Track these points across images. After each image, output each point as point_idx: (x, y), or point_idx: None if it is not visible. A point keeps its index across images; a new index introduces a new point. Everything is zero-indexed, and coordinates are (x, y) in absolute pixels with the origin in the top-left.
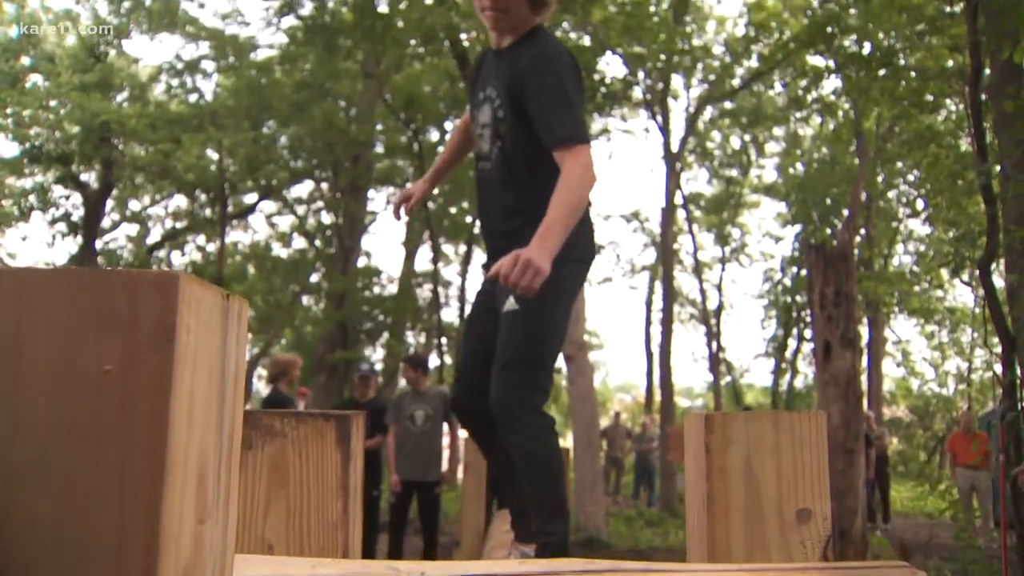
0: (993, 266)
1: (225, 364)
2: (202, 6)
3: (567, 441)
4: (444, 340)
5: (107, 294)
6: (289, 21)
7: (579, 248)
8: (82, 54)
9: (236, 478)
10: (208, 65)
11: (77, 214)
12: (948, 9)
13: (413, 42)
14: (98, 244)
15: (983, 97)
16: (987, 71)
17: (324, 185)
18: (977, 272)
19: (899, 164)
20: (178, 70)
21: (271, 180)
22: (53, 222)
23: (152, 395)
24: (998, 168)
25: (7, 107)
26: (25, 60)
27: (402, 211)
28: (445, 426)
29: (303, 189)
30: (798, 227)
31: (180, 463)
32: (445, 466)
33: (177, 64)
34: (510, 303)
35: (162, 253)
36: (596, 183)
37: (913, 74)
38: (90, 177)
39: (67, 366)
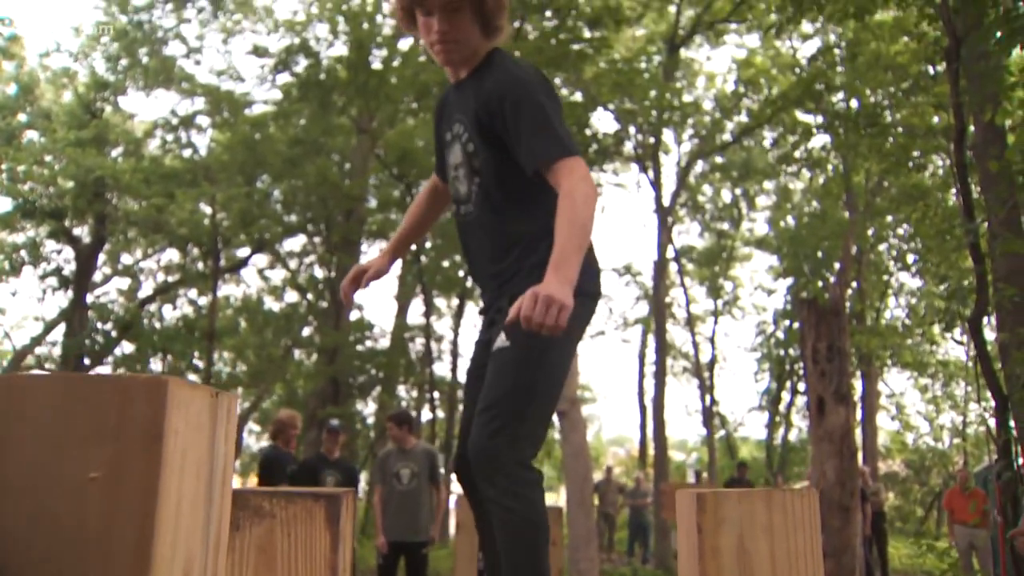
0: (984, 320)
1: (213, 463)
2: (198, 63)
3: (560, 498)
4: (436, 395)
5: (96, 400)
6: (284, 78)
7: (586, 280)
8: (78, 110)
9: (223, 572)
10: (203, 120)
11: (68, 268)
12: (932, 70)
13: (406, 98)
14: (89, 298)
15: (969, 155)
16: (971, 128)
17: (317, 239)
18: (968, 329)
19: (889, 218)
20: (173, 125)
21: (264, 234)
22: (44, 276)
23: (139, 501)
24: (986, 225)
25: (1, 163)
26: (22, 117)
27: (357, 290)
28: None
29: (296, 243)
30: (790, 280)
31: (165, 570)
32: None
33: (172, 119)
34: (502, 339)
35: (153, 307)
36: (598, 196)
37: (900, 130)
38: (82, 231)
39: (53, 472)
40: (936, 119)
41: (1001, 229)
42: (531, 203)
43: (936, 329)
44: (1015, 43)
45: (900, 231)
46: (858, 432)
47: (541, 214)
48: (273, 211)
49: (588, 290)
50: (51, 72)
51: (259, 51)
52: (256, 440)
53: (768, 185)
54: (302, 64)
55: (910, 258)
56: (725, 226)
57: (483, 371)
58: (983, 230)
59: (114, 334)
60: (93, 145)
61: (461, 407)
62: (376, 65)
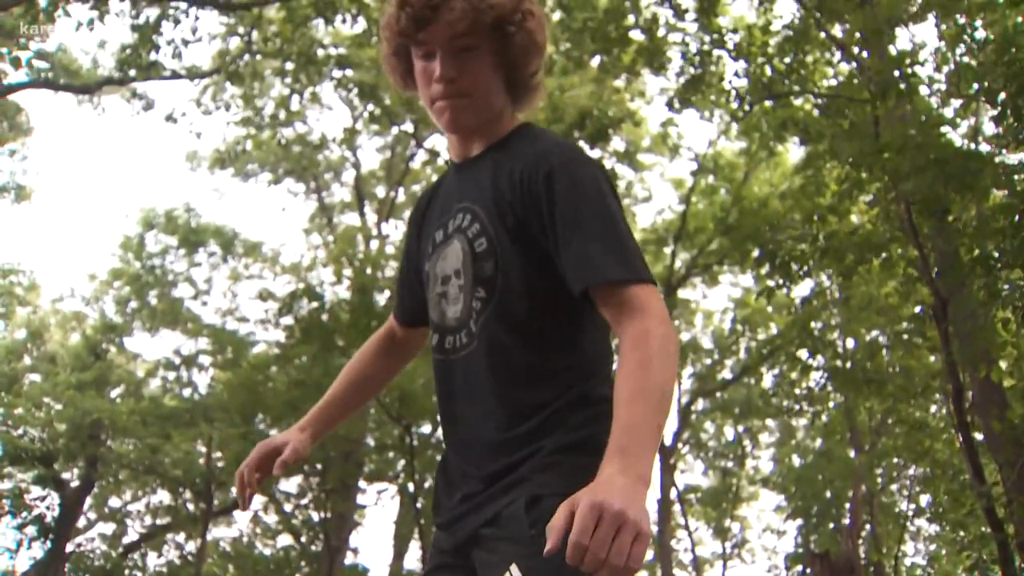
0: None
1: None
2: (204, 304)
3: None
4: None
5: None
6: (287, 320)
7: None
8: (83, 353)
9: None
10: (204, 359)
11: (51, 515)
12: (921, 312)
13: None
14: (69, 547)
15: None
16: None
17: (314, 479)
18: None
19: (896, 459)
20: (175, 365)
21: None
22: (22, 526)
23: None
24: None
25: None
26: (27, 360)
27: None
28: None
29: (291, 484)
30: (800, 521)
31: None
32: None
33: (175, 359)
34: None
35: (138, 555)
36: (679, 349)
37: (897, 369)
38: (71, 474)
39: None
40: (933, 358)
41: (1015, 492)
42: (566, 343)
43: None
44: (997, 307)
45: (910, 472)
46: None
47: (578, 363)
48: None
49: None
50: (61, 316)
51: (264, 296)
52: None
53: (771, 423)
54: (306, 307)
55: (924, 499)
56: (729, 464)
57: None
58: (997, 494)
59: None
60: (94, 387)
61: None
62: (379, 307)
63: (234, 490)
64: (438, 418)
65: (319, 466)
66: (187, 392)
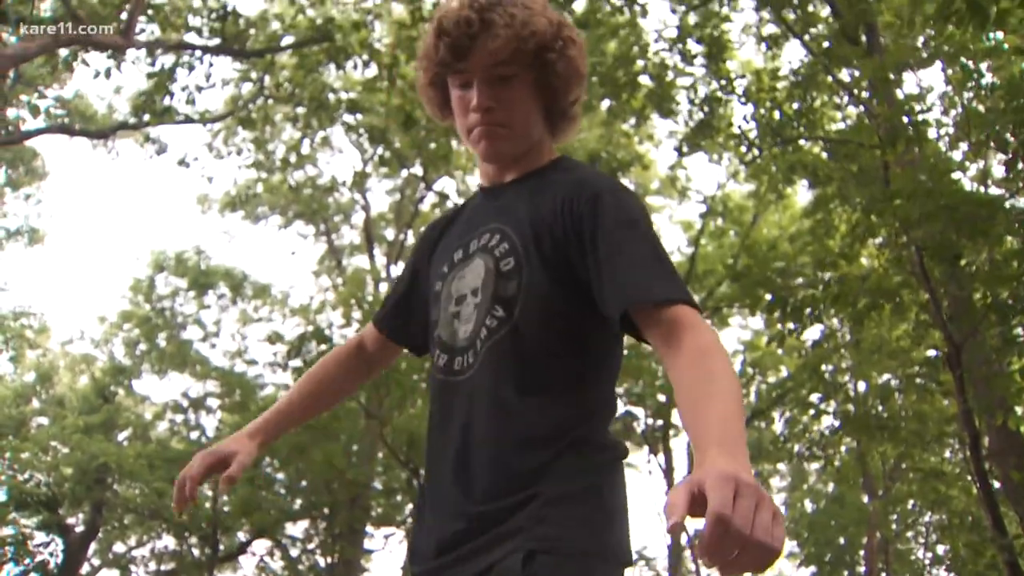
0: None
1: None
2: (213, 346)
3: None
4: None
5: None
6: (295, 362)
7: (624, 541)
8: (92, 396)
9: None
10: (212, 401)
11: (54, 561)
12: (933, 356)
13: (415, 377)
14: None
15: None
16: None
17: (321, 524)
18: None
19: (911, 504)
20: (183, 408)
21: (265, 521)
22: (25, 573)
23: None
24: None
25: (6, 452)
26: (35, 403)
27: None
28: None
29: (298, 528)
30: (813, 567)
31: None
32: None
33: (183, 402)
34: None
35: None
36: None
37: (910, 413)
38: (76, 520)
39: None
40: (946, 403)
41: None
42: (574, 378)
43: None
44: (1013, 354)
45: (926, 519)
46: None
47: (583, 402)
48: (276, 496)
49: (620, 555)
50: (70, 358)
51: (273, 338)
52: None
53: (782, 467)
54: (314, 350)
55: (941, 548)
56: None
57: None
58: (1019, 546)
59: None
60: (101, 430)
61: None
62: None
63: (174, 496)
64: (425, 444)
65: (326, 510)
66: (195, 435)
